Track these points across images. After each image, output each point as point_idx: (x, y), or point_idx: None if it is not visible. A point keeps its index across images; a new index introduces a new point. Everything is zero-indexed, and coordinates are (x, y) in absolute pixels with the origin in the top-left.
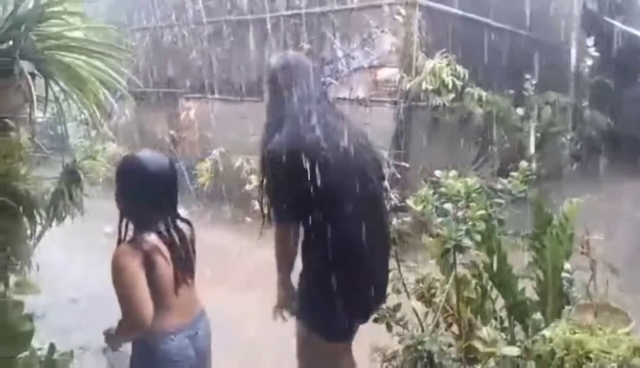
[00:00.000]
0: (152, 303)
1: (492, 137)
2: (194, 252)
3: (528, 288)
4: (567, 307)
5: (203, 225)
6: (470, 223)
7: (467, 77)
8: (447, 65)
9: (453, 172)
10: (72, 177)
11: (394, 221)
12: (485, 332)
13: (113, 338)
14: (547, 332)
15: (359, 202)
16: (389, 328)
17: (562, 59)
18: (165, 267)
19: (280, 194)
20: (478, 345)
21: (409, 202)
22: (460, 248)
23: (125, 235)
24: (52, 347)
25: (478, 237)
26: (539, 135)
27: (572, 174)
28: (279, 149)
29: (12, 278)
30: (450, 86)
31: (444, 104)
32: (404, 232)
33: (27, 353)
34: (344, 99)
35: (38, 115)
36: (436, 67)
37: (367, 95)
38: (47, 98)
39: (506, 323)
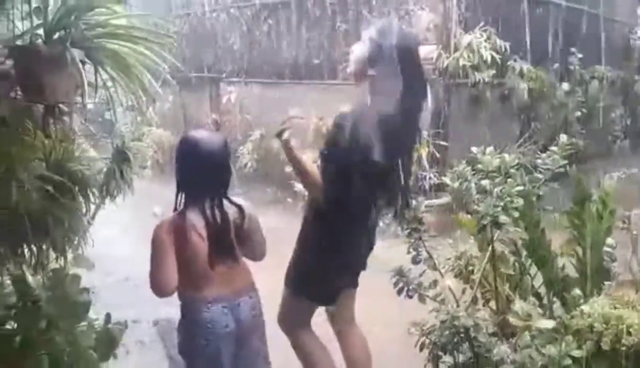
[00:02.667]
0: (173, 275)
1: (536, 113)
2: (240, 235)
3: (568, 265)
4: (607, 283)
5: None
6: (507, 199)
7: (508, 50)
8: (486, 39)
9: (490, 149)
10: (122, 157)
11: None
12: (518, 305)
13: None
14: (586, 307)
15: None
16: (422, 300)
17: (611, 30)
18: (199, 244)
19: None
20: (512, 319)
21: (446, 179)
22: (497, 224)
23: (180, 205)
24: (108, 317)
25: (515, 213)
26: (585, 110)
27: (621, 150)
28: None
29: (70, 254)
30: (489, 61)
31: (484, 80)
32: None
33: (85, 323)
34: None
35: (88, 101)
36: (474, 42)
37: None
38: (96, 84)
39: (545, 300)
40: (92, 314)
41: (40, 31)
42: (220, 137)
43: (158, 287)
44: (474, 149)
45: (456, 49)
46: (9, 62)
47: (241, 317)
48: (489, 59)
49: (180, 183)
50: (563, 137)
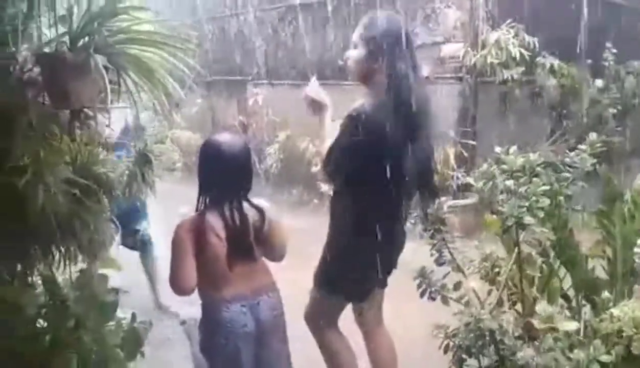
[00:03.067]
0: (192, 274)
1: (568, 110)
2: (259, 237)
3: (598, 267)
4: (638, 286)
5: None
6: (532, 199)
7: (537, 46)
8: (515, 36)
9: (514, 148)
10: (144, 160)
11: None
12: (541, 306)
13: None
14: (615, 311)
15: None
16: (445, 302)
17: None
18: (218, 246)
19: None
20: (535, 321)
21: (470, 179)
22: (522, 225)
23: (201, 207)
24: (133, 316)
25: (541, 214)
26: (620, 107)
27: None
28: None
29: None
30: (518, 58)
31: (513, 78)
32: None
33: (112, 323)
34: None
35: (112, 106)
36: (501, 39)
37: (432, 72)
38: (119, 89)
39: (574, 303)
40: (120, 314)
41: (66, 38)
42: (242, 140)
43: (177, 286)
44: (497, 149)
45: (484, 46)
46: (37, 69)
47: (261, 316)
48: (518, 55)
49: (202, 185)
50: (592, 135)
